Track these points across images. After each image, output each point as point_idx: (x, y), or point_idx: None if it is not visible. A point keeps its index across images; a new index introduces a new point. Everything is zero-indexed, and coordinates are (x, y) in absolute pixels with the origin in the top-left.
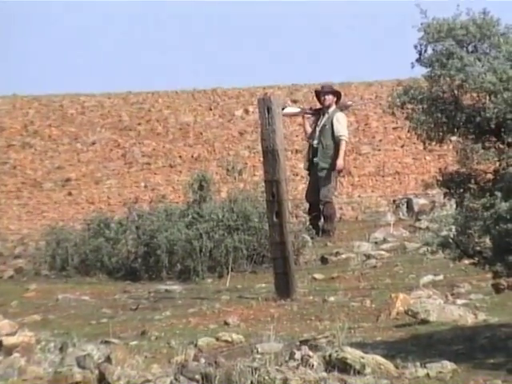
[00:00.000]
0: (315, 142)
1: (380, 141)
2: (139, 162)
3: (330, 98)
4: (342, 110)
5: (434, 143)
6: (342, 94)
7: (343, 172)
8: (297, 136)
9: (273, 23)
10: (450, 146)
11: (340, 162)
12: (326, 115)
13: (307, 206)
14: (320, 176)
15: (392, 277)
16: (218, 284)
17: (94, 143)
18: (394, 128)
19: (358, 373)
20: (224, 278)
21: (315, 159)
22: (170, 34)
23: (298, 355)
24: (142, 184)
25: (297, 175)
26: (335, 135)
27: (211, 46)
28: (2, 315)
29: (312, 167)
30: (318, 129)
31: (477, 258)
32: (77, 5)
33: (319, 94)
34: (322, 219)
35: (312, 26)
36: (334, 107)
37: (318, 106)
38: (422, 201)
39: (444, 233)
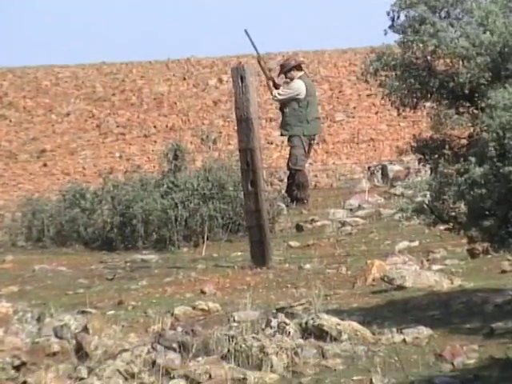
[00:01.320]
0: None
1: (354, 108)
2: (114, 132)
3: (289, 75)
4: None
5: (407, 109)
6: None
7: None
8: (271, 104)
9: None
10: (424, 112)
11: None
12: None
13: (282, 174)
14: (288, 145)
15: (367, 243)
16: (193, 253)
17: (68, 114)
18: (368, 95)
19: (335, 339)
20: (200, 247)
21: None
22: (144, 3)
23: (274, 323)
24: (117, 154)
25: (271, 144)
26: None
27: (185, 15)
28: None
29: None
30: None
31: (452, 224)
32: None
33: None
34: (295, 187)
35: None
36: (296, 77)
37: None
38: (397, 167)
39: (419, 199)
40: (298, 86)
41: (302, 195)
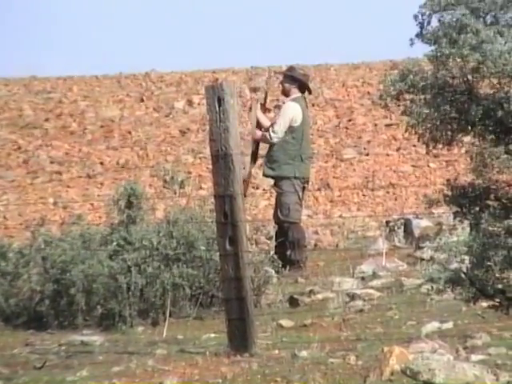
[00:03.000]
0: None
1: (368, 142)
2: (46, 170)
3: (287, 86)
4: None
5: (440, 146)
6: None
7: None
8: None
9: None
10: (462, 150)
11: (253, 131)
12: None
13: (272, 228)
14: (276, 190)
15: (384, 324)
16: (151, 334)
17: None
18: (388, 125)
19: None
20: (160, 326)
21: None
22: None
23: None
24: (51, 200)
25: (257, 188)
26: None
27: (144, 18)
28: None
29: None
30: None
31: (498, 299)
32: None
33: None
34: (288, 247)
35: None
36: (290, 97)
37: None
38: (425, 223)
39: (454, 265)
40: (294, 111)
41: (298, 257)
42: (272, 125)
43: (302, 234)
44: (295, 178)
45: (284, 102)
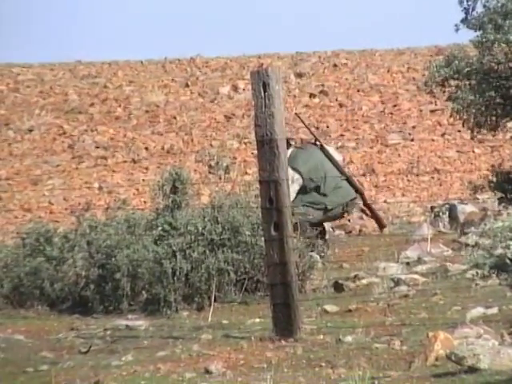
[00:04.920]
0: None
1: (413, 128)
2: (92, 155)
3: None
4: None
5: (485, 131)
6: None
7: None
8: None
9: None
10: (507, 136)
11: None
12: None
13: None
14: None
15: (429, 310)
16: (196, 319)
17: (31, 130)
18: (432, 111)
19: None
20: (205, 311)
21: None
22: None
23: None
24: (96, 185)
25: None
26: None
27: (190, 3)
28: None
29: None
30: None
31: None
32: None
33: None
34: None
35: None
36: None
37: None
38: (470, 208)
39: (499, 251)
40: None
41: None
42: None
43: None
44: (327, 210)
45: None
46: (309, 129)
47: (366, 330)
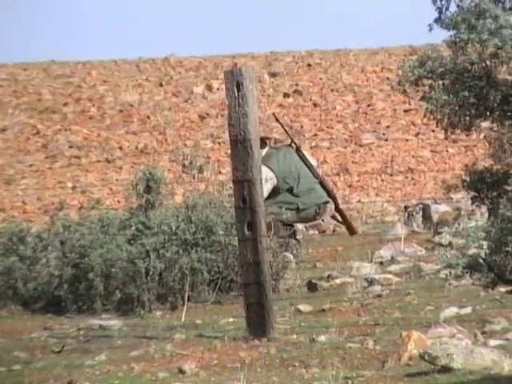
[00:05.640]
0: None
1: (387, 128)
2: (65, 155)
3: None
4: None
5: (458, 131)
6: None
7: None
8: (276, 120)
9: None
10: (481, 136)
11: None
12: None
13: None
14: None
15: (403, 309)
16: (170, 318)
17: (4, 130)
18: (406, 111)
19: None
20: (178, 311)
21: None
22: None
23: None
24: (69, 184)
25: None
26: None
27: (163, 2)
28: None
29: None
30: None
31: None
32: None
33: None
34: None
35: None
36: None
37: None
38: (443, 208)
39: (472, 251)
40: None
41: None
42: None
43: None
44: (299, 209)
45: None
46: (285, 130)
47: (340, 329)
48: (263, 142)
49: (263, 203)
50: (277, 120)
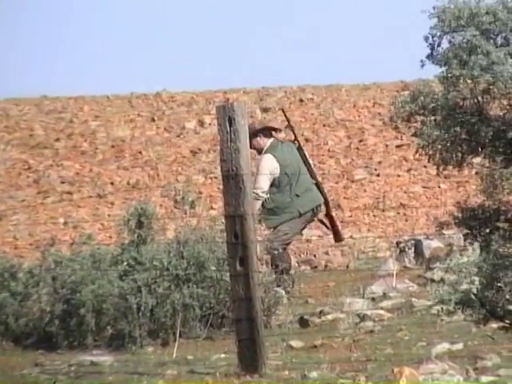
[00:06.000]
0: None
1: (379, 163)
2: (57, 190)
3: (255, 143)
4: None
5: (450, 167)
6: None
7: None
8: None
9: (236, 8)
10: (473, 172)
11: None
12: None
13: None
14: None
15: (395, 345)
16: (161, 354)
17: None
18: (398, 146)
19: None
20: (170, 347)
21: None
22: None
23: None
24: (61, 220)
25: None
26: None
27: (154, 36)
28: None
29: None
30: None
31: (508, 321)
32: None
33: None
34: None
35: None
36: (264, 148)
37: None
38: (435, 244)
39: (464, 287)
40: (269, 163)
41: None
42: (256, 189)
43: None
44: (301, 215)
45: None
46: (292, 127)
47: (332, 365)
48: (269, 131)
49: (254, 239)
50: (285, 116)
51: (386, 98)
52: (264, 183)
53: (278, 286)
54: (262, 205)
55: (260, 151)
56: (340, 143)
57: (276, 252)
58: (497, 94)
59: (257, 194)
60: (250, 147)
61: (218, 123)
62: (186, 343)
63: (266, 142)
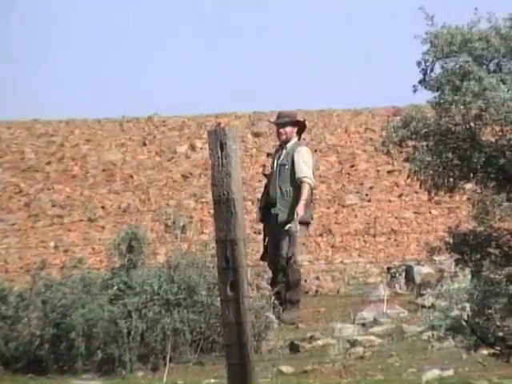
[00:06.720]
0: (271, 187)
1: (370, 188)
2: (48, 214)
3: (288, 131)
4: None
5: (442, 193)
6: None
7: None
8: (259, 180)
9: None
10: (464, 197)
11: (300, 211)
12: (285, 151)
13: (270, 273)
14: (282, 232)
15: (385, 371)
16: (151, 379)
17: None
18: (390, 172)
19: None
20: (160, 371)
21: (273, 210)
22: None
23: None
24: (52, 244)
25: (259, 233)
26: (296, 177)
27: (146, 60)
28: None
29: (270, 220)
30: (275, 170)
31: (498, 347)
32: None
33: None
34: (285, 286)
35: (279, 37)
36: (294, 140)
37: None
38: (426, 269)
39: (455, 313)
40: (310, 157)
41: (297, 296)
42: (304, 174)
43: (300, 276)
44: (309, 223)
45: (285, 147)
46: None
47: None
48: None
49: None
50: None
51: (378, 124)
52: (311, 173)
53: (291, 301)
54: (284, 194)
55: (286, 141)
56: (331, 168)
57: (293, 262)
58: (489, 120)
59: (309, 179)
60: (281, 134)
61: (209, 148)
62: (176, 368)
63: (294, 135)
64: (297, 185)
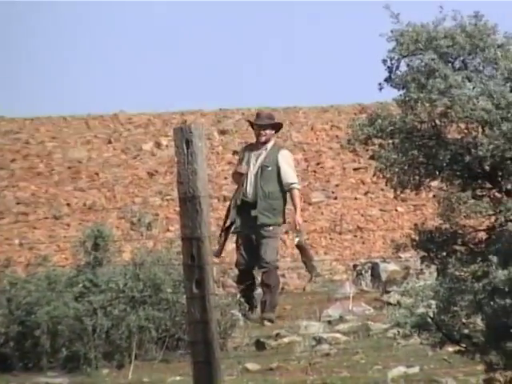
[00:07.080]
0: (249, 187)
1: (336, 186)
2: (12, 211)
3: (268, 133)
4: None
5: (408, 190)
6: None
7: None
8: (226, 178)
9: (194, 28)
10: (430, 195)
11: (298, 219)
12: (264, 152)
13: (236, 271)
14: (262, 234)
15: (351, 368)
16: (117, 376)
17: None
18: (356, 169)
19: None
20: (125, 369)
21: (253, 212)
22: (56, 42)
23: None
24: (16, 241)
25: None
26: (284, 182)
27: (112, 57)
28: None
29: (245, 221)
30: (252, 170)
31: (464, 345)
32: None
33: (254, 126)
34: (263, 289)
35: (245, 36)
36: (273, 141)
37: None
38: (392, 267)
39: (421, 310)
40: (292, 160)
41: (276, 301)
42: (292, 180)
43: (279, 279)
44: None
45: (265, 148)
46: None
47: None
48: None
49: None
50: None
51: (344, 121)
52: (296, 178)
53: (272, 305)
54: (266, 195)
55: (265, 142)
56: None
57: (272, 267)
58: (454, 117)
59: (298, 185)
60: (261, 135)
61: (175, 145)
62: (141, 365)
63: (272, 136)
64: (281, 187)
